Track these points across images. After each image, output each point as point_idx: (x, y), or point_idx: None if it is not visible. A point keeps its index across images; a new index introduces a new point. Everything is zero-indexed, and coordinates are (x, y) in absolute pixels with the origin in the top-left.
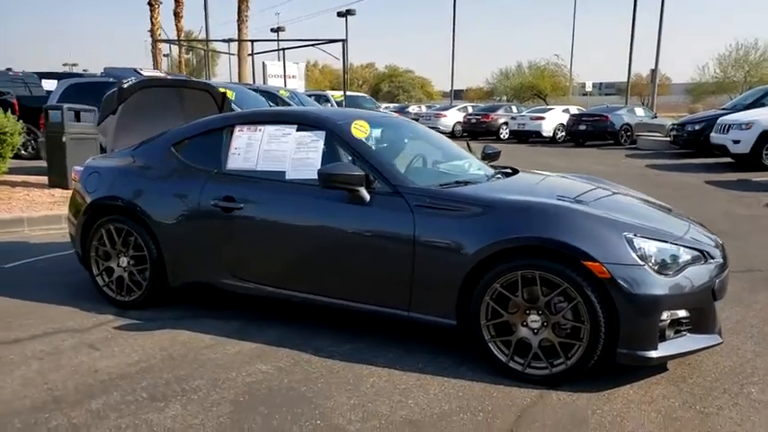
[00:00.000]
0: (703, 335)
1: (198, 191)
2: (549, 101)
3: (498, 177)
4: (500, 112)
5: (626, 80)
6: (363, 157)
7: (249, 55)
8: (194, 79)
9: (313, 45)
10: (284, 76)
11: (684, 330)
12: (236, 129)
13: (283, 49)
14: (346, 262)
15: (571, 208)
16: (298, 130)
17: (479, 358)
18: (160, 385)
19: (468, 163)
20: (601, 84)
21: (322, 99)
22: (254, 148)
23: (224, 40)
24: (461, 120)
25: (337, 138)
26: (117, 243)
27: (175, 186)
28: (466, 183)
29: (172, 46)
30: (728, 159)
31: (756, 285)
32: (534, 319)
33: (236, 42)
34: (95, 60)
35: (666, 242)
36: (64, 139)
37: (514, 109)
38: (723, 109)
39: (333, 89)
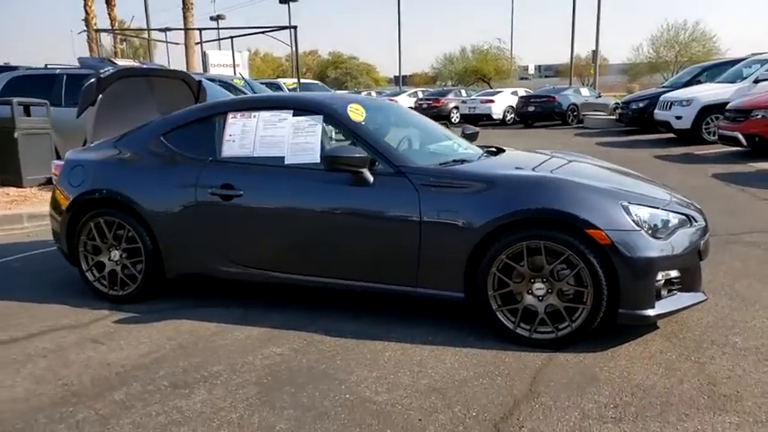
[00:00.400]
0: (691, 293)
1: (193, 180)
2: (493, 84)
3: (488, 156)
4: (450, 96)
5: (565, 62)
6: (364, 139)
7: (197, 44)
8: (171, 68)
9: (263, 32)
10: (233, 65)
11: (675, 289)
12: (230, 116)
13: (231, 38)
14: (351, 243)
15: (571, 180)
16: (294, 116)
17: (484, 327)
18: (178, 373)
19: (455, 143)
20: (540, 66)
21: (273, 87)
22: (249, 135)
23: (170, 29)
24: (413, 105)
25: (335, 121)
26: (108, 237)
27: (169, 176)
28: (462, 161)
29: (102, 35)
30: (671, 135)
31: (719, 248)
32: (539, 287)
33: (183, 31)
34: (14, 53)
35: (657, 208)
36: (16, 134)
37: (464, 93)
38: (663, 87)
39: (278, 77)
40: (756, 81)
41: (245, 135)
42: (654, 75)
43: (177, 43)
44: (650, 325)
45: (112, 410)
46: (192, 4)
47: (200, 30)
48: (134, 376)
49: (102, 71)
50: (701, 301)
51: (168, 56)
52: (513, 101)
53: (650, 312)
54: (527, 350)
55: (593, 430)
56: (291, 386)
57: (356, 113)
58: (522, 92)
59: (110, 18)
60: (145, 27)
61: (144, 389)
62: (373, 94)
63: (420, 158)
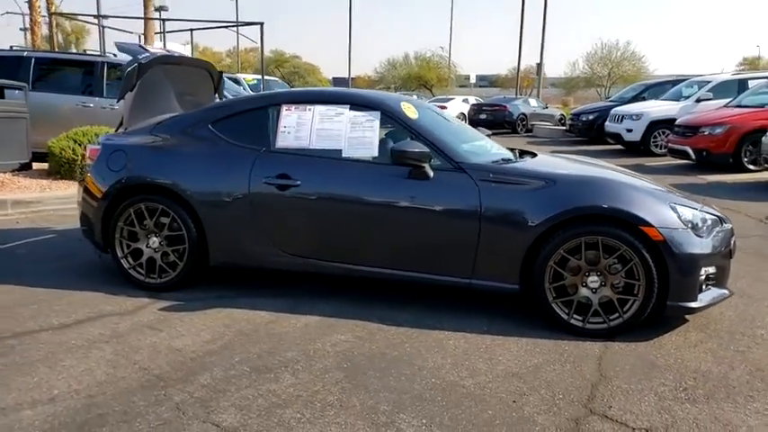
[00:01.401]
0: (721, 289)
1: (247, 169)
2: (435, 92)
3: (526, 157)
4: None
5: (503, 73)
6: (424, 136)
7: (156, 34)
8: (197, 58)
9: (226, 27)
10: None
11: (711, 285)
12: (284, 108)
13: (191, 30)
14: (409, 234)
15: (625, 181)
16: (351, 110)
17: (533, 318)
18: (254, 359)
19: (488, 143)
20: (476, 76)
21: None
22: (305, 127)
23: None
24: None
25: (393, 118)
26: (148, 223)
27: (219, 164)
28: (508, 160)
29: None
30: (619, 147)
31: None
32: (593, 280)
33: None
34: None
35: (696, 209)
36: None
37: (416, 98)
38: (611, 101)
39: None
40: (698, 100)
41: (301, 127)
42: (588, 89)
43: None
44: (681, 318)
45: (207, 394)
46: None
47: (163, 20)
48: (211, 362)
49: (141, 56)
50: (728, 296)
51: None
52: (465, 108)
53: (694, 305)
54: (581, 339)
55: (675, 410)
56: (374, 371)
57: (411, 111)
58: (472, 100)
59: (47, 3)
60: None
61: (227, 373)
62: None
63: (473, 156)
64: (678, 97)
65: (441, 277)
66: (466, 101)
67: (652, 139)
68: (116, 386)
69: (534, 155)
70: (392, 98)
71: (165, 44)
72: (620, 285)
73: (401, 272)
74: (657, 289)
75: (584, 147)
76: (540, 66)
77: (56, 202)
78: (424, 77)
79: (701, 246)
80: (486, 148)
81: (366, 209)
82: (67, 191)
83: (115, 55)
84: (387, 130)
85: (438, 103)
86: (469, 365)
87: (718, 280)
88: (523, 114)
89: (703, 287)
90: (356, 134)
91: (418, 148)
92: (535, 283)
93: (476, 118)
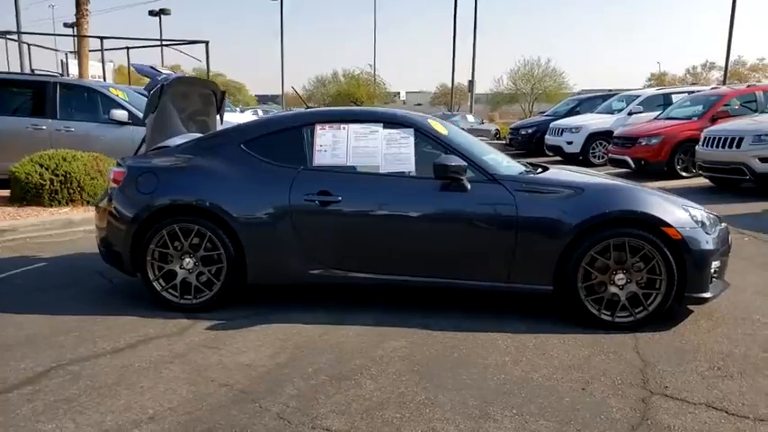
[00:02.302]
0: (722, 281)
1: (286, 187)
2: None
3: (541, 170)
4: None
5: (431, 90)
6: (458, 150)
7: (91, 51)
8: (207, 79)
9: (168, 45)
10: (103, 75)
11: (715, 277)
12: (318, 127)
13: (127, 48)
14: (448, 244)
15: (643, 188)
16: (384, 128)
17: (563, 316)
18: (326, 369)
19: (499, 156)
20: (406, 92)
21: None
22: (341, 145)
23: (68, 36)
24: None
25: (425, 135)
26: (183, 244)
27: (258, 184)
28: (529, 172)
29: None
30: (558, 158)
31: None
32: (620, 277)
33: (76, 38)
34: None
35: (701, 209)
36: None
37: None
38: (546, 116)
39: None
40: (630, 113)
41: (337, 145)
42: (513, 105)
43: (57, 50)
44: (686, 310)
45: (300, 403)
46: (87, 11)
47: (102, 38)
48: (286, 374)
49: (161, 78)
50: (727, 287)
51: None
52: None
53: (707, 295)
54: (611, 332)
55: (720, 386)
56: (444, 371)
57: (440, 127)
58: None
59: None
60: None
61: (308, 383)
62: (260, 112)
63: (501, 167)
64: (610, 111)
65: (480, 283)
66: None
67: (591, 151)
68: (207, 402)
69: (546, 167)
70: (420, 116)
71: (103, 63)
72: (642, 281)
73: (442, 279)
74: (677, 283)
75: (525, 159)
76: (471, 82)
77: (31, 230)
78: (354, 94)
79: (710, 242)
80: (500, 160)
81: (407, 221)
82: (40, 217)
83: (61, 74)
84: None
85: None
86: (528, 361)
87: (720, 273)
88: (462, 130)
89: (712, 279)
90: (392, 150)
91: (456, 161)
92: (569, 283)
93: None
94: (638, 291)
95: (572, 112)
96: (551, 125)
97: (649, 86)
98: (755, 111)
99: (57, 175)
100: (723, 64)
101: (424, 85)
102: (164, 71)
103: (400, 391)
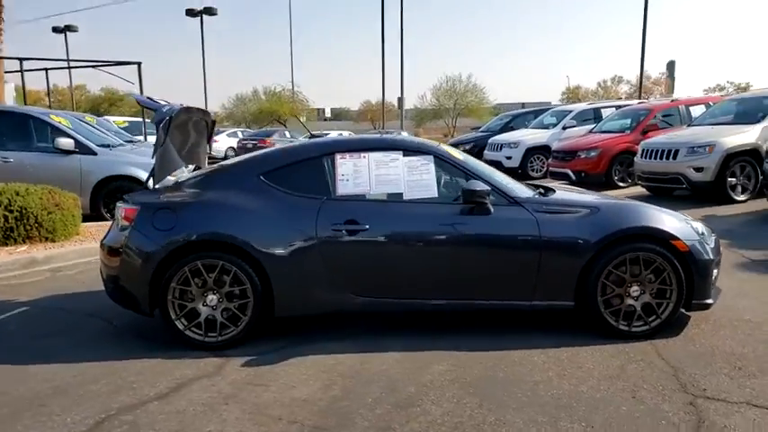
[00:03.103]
0: (717, 287)
1: (312, 218)
2: (290, 126)
3: (549, 192)
4: (275, 137)
5: (356, 108)
6: (479, 176)
7: (10, 72)
8: (200, 107)
9: (99, 67)
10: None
11: (713, 284)
12: (338, 156)
13: (46, 69)
14: (475, 266)
15: (649, 206)
16: (404, 156)
17: (581, 328)
18: (385, 398)
19: (505, 178)
20: (330, 110)
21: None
22: (363, 174)
23: None
24: (235, 145)
25: (445, 161)
26: (208, 281)
27: (283, 215)
28: (542, 194)
29: None
30: None
31: None
32: (635, 289)
33: None
34: None
35: (699, 222)
36: None
37: (288, 134)
38: (482, 132)
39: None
40: (564, 128)
41: (359, 174)
42: (437, 120)
43: None
44: (684, 315)
45: (379, 428)
46: (1, 29)
47: (21, 59)
48: (347, 406)
49: (166, 109)
50: (720, 293)
51: None
52: None
53: (710, 301)
54: (629, 341)
55: (748, 384)
56: (499, 391)
57: (457, 153)
58: (346, 134)
59: None
60: None
61: (374, 413)
62: None
63: (517, 190)
64: (544, 126)
65: (505, 302)
66: (341, 134)
67: (529, 164)
68: None
69: (552, 189)
70: (435, 143)
71: (23, 85)
72: (654, 292)
73: (470, 301)
74: (686, 291)
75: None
76: (401, 99)
77: None
78: (277, 112)
79: (710, 252)
80: (512, 182)
81: (433, 246)
82: None
83: None
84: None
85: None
86: (570, 375)
87: (716, 280)
88: None
89: (713, 287)
90: (414, 177)
91: (482, 186)
92: (589, 298)
93: None
94: (651, 301)
95: (506, 127)
96: (490, 141)
97: (564, 100)
98: (680, 123)
99: (11, 212)
100: (630, 78)
101: (347, 102)
102: (161, 101)
103: (468, 414)
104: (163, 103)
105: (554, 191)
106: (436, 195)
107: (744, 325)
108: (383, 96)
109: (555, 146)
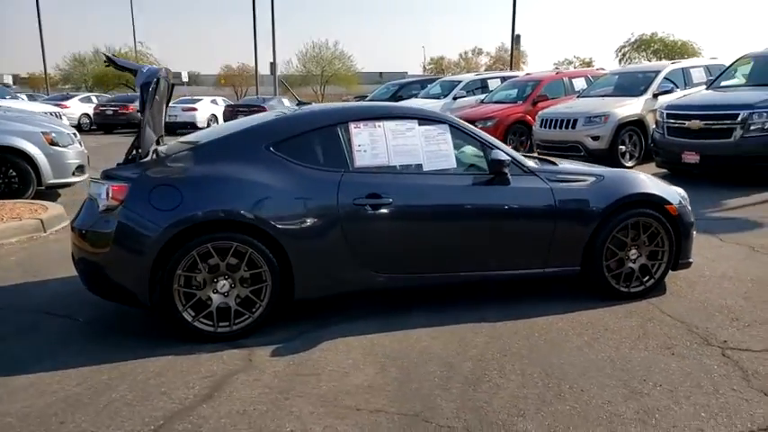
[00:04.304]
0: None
1: (333, 192)
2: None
3: (551, 163)
4: (138, 102)
5: (214, 72)
6: (496, 146)
7: None
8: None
9: None
10: None
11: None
12: (352, 125)
13: None
14: (496, 236)
15: (643, 174)
16: (420, 125)
17: (576, 292)
18: (450, 377)
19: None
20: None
21: None
22: (380, 144)
23: None
24: (90, 111)
25: (460, 131)
26: (220, 265)
27: (299, 190)
28: (545, 162)
29: None
30: None
31: None
32: (633, 253)
33: None
34: None
35: (677, 187)
36: None
37: None
38: (369, 101)
39: None
40: (455, 98)
41: (376, 144)
42: (305, 87)
43: None
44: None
45: (474, 413)
46: None
47: None
48: (416, 388)
49: (147, 71)
50: None
51: None
52: (216, 109)
53: (691, 260)
54: (628, 301)
55: (753, 333)
56: (553, 359)
57: (466, 123)
58: (219, 100)
59: None
60: None
61: (451, 393)
62: (24, 97)
63: (528, 161)
64: (435, 96)
65: (521, 271)
66: (214, 102)
67: None
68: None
69: (551, 161)
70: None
71: None
72: (647, 254)
73: (490, 272)
74: (675, 252)
75: None
76: (273, 65)
77: None
78: (125, 75)
79: (690, 215)
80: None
81: (455, 218)
82: None
83: None
84: None
85: (185, 105)
86: (604, 337)
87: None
88: None
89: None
90: (432, 148)
91: (505, 156)
92: (594, 263)
93: (232, 119)
94: (647, 262)
95: (394, 97)
96: None
97: (430, 70)
98: (564, 94)
99: None
100: (489, 50)
101: (205, 67)
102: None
103: (542, 384)
104: (139, 64)
105: (553, 161)
106: (455, 166)
107: (710, 281)
108: (255, 60)
109: (455, 115)
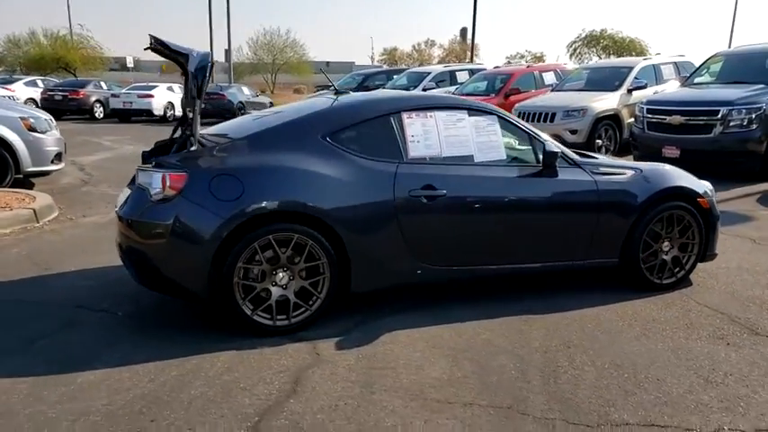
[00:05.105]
0: None
1: (389, 183)
2: (80, 75)
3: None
4: (91, 87)
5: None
6: (540, 138)
7: None
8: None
9: None
10: None
11: None
12: (404, 115)
13: None
14: (544, 228)
15: (676, 168)
16: (470, 116)
17: (617, 284)
18: (525, 370)
19: None
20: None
21: None
22: (432, 135)
23: None
24: (37, 96)
25: (508, 122)
26: (281, 257)
27: (357, 181)
28: (590, 156)
29: None
30: None
31: None
32: (666, 245)
33: None
34: None
35: (704, 181)
36: None
37: (104, 85)
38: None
39: None
40: (425, 89)
41: (429, 135)
42: (255, 75)
43: None
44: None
45: (564, 404)
46: None
47: None
48: (496, 380)
49: (202, 53)
50: None
51: None
52: (172, 96)
53: (717, 252)
54: (660, 292)
55: None
56: (617, 348)
57: (514, 116)
58: (176, 88)
59: None
60: None
61: (532, 384)
62: None
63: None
64: (403, 87)
65: (564, 263)
66: (171, 89)
67: None
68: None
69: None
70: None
71: None
72: (679, 246)
73: (534, 264)
74: (705, 244)
75: None
76: (228, 51)
77: None
78: (65, 58)
79: (717, 208)
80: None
81: (507, 209)
82: None
83: None
84: None
85: (141, 92)
86: (655, 328)
87: None
88: (241, 103)
89: None
90: (482, 138)
91: (556, 148)
92: (632, 254)
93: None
94: (678, 254)
95: (361, 87)
96: None
97: (384, 61)
98: (534, 88)
99: None
100: (442, 42)
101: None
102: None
103: (624, 376)
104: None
105: (591, 155)
106: (505, 157)
107: (728, 272)
108: (211, 47)
109: None
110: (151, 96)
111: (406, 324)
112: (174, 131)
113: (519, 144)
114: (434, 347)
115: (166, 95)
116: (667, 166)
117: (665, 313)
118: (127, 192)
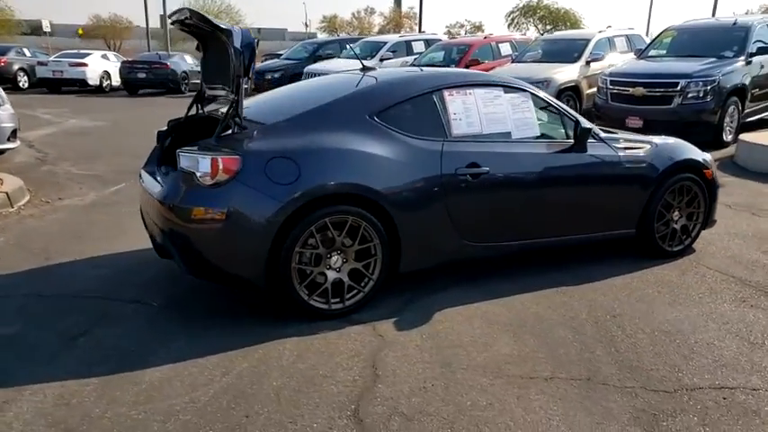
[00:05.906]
0: None
1: (436, 162)
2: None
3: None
4: (12, 54)
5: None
6: (570, 115)
7: None
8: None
9: None
10: None
11: None
12: (446, 93)
13: None
14: (577, 202)
15: (683, 141)
16: (505, 93)
17: (627, 253)
18: (586, 342)
19: None
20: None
21: None
22: (473, 113)
23: None
24: None
25: (539, 99)
26: (336, 240)
27: (405, 161)
28: (610, 132)
29: None
30: None
31: None
32: (676, 214)
33: None
34: None
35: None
36: None
37: (27, 52)
38: (286, 59)
39: None
40: (381, 60)
41: (469, 113)
42: (189, 42)
43: None
44: None
45: (628, 368)
46: None
47: None
48: (564, 353)
49: (244, 31)
50: None
51: None
52: (108, 65)
53: (716, 219)
54: (670, 259)
55: None
56: (660, 317)
57: (542, 93)
58: (111, 56)
59: None
60: None
61: (596, 354)
62: None
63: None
64: (351, 57)
65: (591, 235)
66: (106, 57)
67: None
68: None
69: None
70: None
71: None
72: (686, 214)
73: (565, 237)
74: (709, 213)
75: None
76: (164, 16)
77: None
78: None
79: (717, 178)
80: None
81: (545, 185)
82: None
83: None
84: None
85: (73, 60)
86: (682, 296)
87: None
88: (185, 72)
89: None
90: (518, 116)
91: (589, 124)
92: (647, 225)
93: (131, 77)
94: (686, 223)
95: (314, 56)
96: (306, 70)
97: (322, 29)
98: (492, 59)
99: None
100: (382, 10)
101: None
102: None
103: (671, 341)
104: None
105: (611, 130)
106: (539, 134)
107: (720, 237)
108: (146, 11)
109: None
110: (85, 65)
111: (454, 301)
112: (189, 109)
113: (547, 120)
114: (492, 324)
115: (101, 64)
116: (678, 141)
117: (683, 279)
118: (146, 176)
